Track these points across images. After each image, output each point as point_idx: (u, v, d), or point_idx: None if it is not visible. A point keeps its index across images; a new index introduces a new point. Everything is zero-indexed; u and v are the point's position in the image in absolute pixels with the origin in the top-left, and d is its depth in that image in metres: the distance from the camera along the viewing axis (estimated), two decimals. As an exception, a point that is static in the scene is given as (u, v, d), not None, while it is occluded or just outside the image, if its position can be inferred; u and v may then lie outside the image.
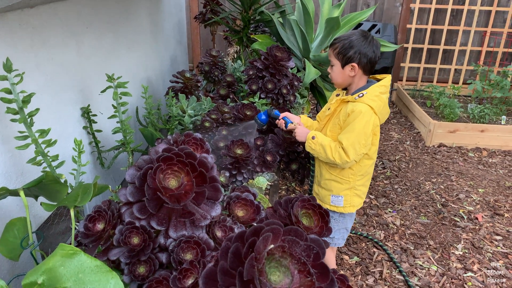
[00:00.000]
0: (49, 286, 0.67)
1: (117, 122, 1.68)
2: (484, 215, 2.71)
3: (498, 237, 2.48)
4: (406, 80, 5.17)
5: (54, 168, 1.22)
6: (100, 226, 0.90)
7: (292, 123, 1.81)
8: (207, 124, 2.13)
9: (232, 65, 2.99)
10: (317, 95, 3.15)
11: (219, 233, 0.94)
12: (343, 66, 1.66)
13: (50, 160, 1.21)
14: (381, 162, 3.49)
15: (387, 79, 1.72)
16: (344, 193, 1.79)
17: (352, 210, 1.83)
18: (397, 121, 4.51)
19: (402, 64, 5.02)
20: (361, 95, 1.63)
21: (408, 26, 4.86)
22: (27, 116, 1.15)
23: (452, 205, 2.82)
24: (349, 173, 1.76)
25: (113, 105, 1.65)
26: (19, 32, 1.32)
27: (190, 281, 0.77)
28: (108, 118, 1.68)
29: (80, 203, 1.00)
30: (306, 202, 1.22)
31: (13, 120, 1.14)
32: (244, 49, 3.17)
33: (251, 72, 2.31)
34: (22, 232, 1.11)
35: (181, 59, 3.60)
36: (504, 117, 4.15)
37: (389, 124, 4.41)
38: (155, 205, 0.87)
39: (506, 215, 2.72)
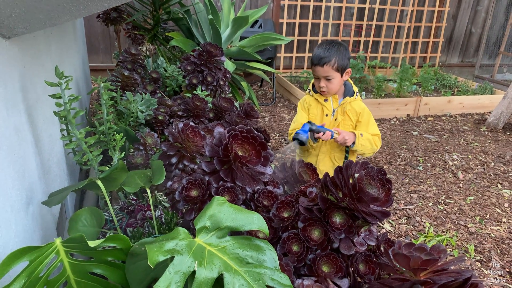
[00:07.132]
0: (214, 227, 0.93)
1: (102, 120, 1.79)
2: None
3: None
4: (283, 68, 5.89)
5: (96, 162, 1.35)
6: (194, 193, 1.13)
7: (332, 132, 2.03)
8: (160, 117, 2.33)
9: (151, 62, 3.14)
10: (231, 85, 3.52)
11: (270, 188, 1.27)
12: (342, 75, 1.99)
13: (92, 156, 1.34)
14: (283, 139, 4.07)
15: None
16: None
17: None
18: (282, 104, 5.17)
19: (278, 55, 5.70)
20: (357, 94, 2.07)
21: (280, 20, 5.56)
22: (72, 117, 1.27)
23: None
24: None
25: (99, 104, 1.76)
26: None
27: (286, 214, 1.09)
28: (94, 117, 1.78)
29: (155, 182, 1.21)
30: (302, 162, 1.61)
31: (62, 122, 1.25)
32: (158, 46, 3.33)
33: (189, 68, 2.55)
34: (90, 220, 1.25)
35: (85, 59, 3.54)
36: (363, 93, 5.15)
37: (277, 108, 5.04)
38: (237, 168, 1.16)
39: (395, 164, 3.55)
